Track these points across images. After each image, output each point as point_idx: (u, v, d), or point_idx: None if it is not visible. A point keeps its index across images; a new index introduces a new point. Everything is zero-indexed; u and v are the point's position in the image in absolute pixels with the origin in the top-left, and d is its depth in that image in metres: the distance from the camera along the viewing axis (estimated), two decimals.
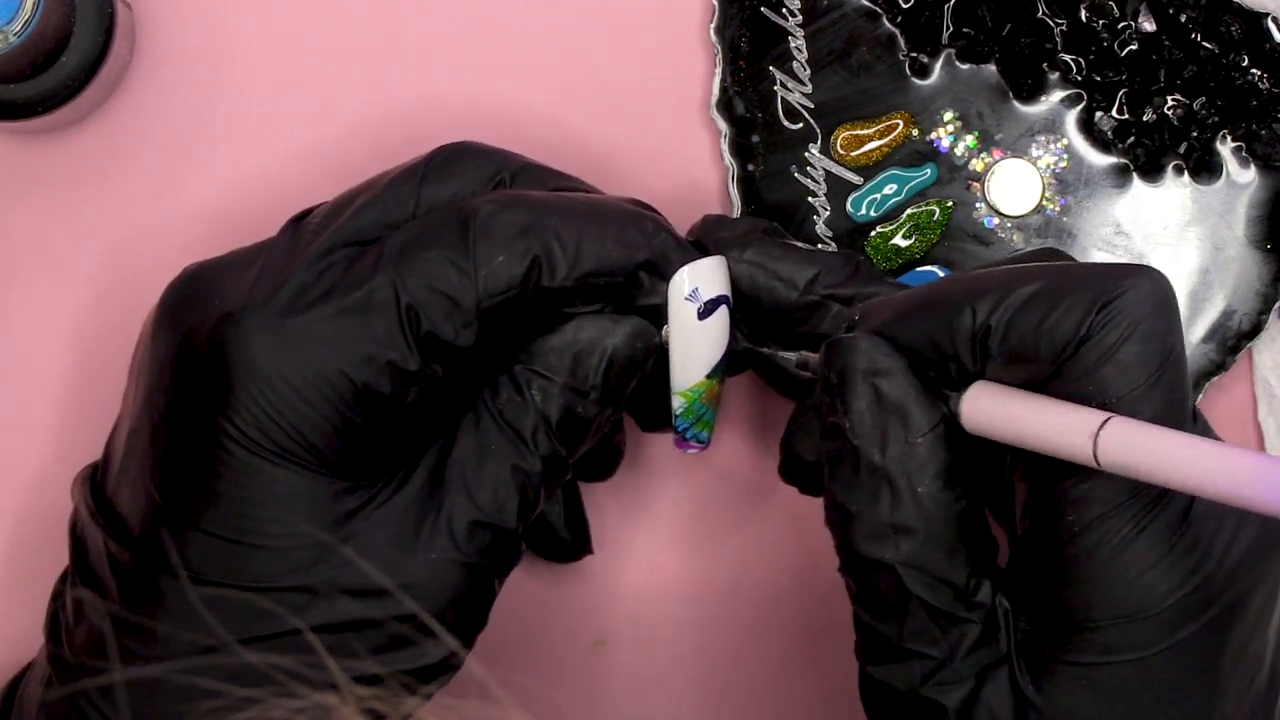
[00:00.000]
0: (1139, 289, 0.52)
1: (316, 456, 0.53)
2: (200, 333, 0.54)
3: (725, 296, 0.57)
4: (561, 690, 0.65)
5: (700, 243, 0.59)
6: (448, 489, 0.55)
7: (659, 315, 0.57)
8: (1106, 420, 0.50)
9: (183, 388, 0.54)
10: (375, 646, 0.54)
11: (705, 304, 0.57)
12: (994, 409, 0.53)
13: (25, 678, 0.58)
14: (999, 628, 0.54)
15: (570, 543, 0.62)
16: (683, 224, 0.59)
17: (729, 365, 0.59)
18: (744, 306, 0.59)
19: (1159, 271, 0.53)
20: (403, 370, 0.54)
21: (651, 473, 0.66)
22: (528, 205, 0.55)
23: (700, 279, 0.56)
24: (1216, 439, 0.55)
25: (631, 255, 0.56)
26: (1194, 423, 0.53)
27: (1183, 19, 0.64)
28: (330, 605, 0.53)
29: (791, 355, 0.59)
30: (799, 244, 0.60)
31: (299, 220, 0.57)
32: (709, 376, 0.58)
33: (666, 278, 0.56)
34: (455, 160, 0.58)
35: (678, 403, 0.58)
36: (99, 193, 0.65)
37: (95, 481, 0.57)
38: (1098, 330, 0.51)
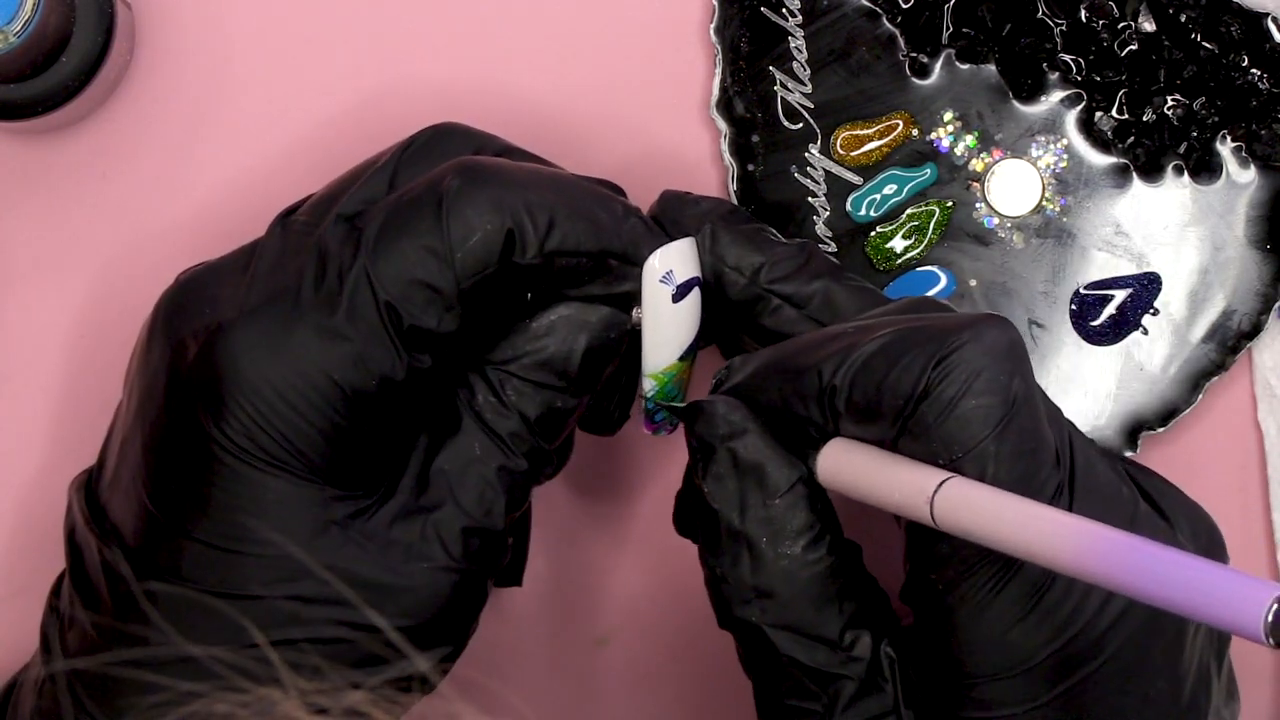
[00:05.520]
0: (979, 340, 0.51)
1: (305, 463, 0.53)
2: (191, 343, 0.54)
3: (698, 278, 0.57)
4: (562, 690, 0.65)
5: (660, 221, 0.58)
6: (435, 496, 0.55)
7: (628, 301, 0.57)
8: (944, 481, 0.49)
9: (174, 397, 0.54)
10: (358, 659, 0.53)
11: (679, 286, 0.56)
12: (846, 467, 0.52)
13: (20, 681, 0.58)
14: (885, 678, 0.53)
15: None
16: None
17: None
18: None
19: (1004, 319, 0.52)
20: (390, 369, 0.54)
21: (651, 470, 0.66)
22: (498, 180, 0.55)
23: (674, 262, 0.56)
24: (1111, 469, 0.54)
25: (600, 239, 0.55)
26: (1059, 467, 0.52)
27: (1183, 19, 0.64)
28: (319, 615, 0.53)
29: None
30: (758, 228, 0.58)
31: (287, 215, 0.57)
32: (681, 359, 0.57)
33: (637, 262, 0.56)
34: (435, 142, 0.57)
35: (649, 385, 0.58)
36: (99, 193, 0.65)
37: (90, 488, 0.57)
38: (935, 385, 0.50)
